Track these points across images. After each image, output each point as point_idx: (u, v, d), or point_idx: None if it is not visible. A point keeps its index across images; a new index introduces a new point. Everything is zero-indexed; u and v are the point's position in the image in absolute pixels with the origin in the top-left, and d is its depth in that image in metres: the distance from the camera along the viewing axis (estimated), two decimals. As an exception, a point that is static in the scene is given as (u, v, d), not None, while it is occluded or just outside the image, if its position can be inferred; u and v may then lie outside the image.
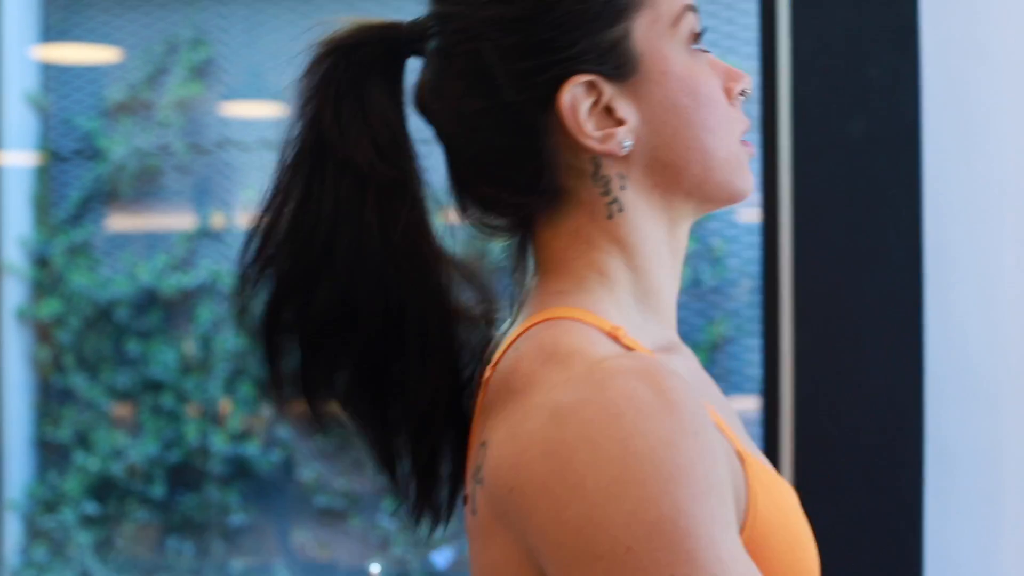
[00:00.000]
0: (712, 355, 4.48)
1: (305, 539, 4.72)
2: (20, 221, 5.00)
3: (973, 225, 1.97)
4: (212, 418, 4.81)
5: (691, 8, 1.06)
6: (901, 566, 1.95)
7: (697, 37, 1.06)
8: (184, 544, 4.83)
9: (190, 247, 4.94)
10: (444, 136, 1.06)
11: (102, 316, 4.96)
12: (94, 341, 4.97)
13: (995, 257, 1.94)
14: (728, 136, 1.06)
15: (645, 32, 1.03)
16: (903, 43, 1.94)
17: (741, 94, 1.08)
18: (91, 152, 5.01)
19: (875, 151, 1.94)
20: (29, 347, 5.01)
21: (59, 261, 4.97)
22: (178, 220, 5.00)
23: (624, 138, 1.02)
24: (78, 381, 4.94)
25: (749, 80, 1.08)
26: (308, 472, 4.65)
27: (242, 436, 4.75)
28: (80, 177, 5.01)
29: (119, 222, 5.06)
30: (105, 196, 5.01)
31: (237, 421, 4.76)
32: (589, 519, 0.87)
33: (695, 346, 4.48)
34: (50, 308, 4.97)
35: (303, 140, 1.04)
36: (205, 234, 4.94)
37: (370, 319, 1.04)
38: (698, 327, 4.51)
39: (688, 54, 1.05)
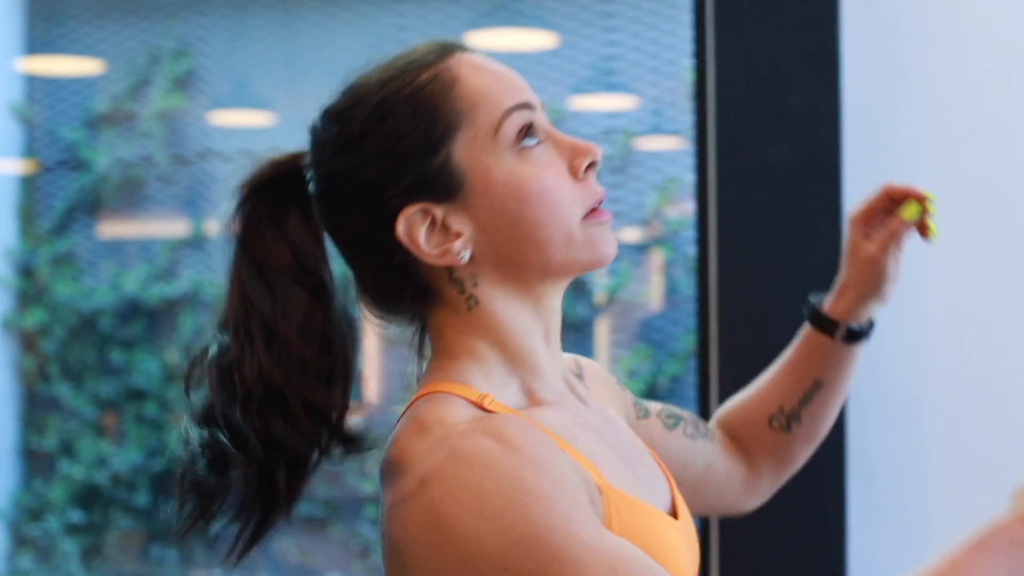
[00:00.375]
0: (688, 363, 4.50)
1: (287, 546, 4.75)
2: (5, 231, 5.03)
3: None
4: (194, 427, 4.82)
5: (516, 108, 1.17)
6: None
7: (526, 132, 1.17)
8: (167, 552, 4.86)
9: (173, 257, 4.97)
10: (339, 252, 1.23)
11: (86, 326, 5.00)
12: (78, 350, 5.00)
13: (916, 277, 1.97)
14: (565, 220, 1.17)
15: (466, 150, 1.16)
16: (824, 70, 1.96)
17: (590, 167, 1.18)
18: (75, 163, 5.04)
19: (796, 176, 1.97)
20: (14, 356, 5.04)
21: (44, 271, 5.00)
22: (161, 230, 5.03)
23: (461, 248, 1.17)
24: (63, 390, 4.98)
25: (597, 151, 1.18)
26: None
27: (223, 445, 4.76)
28: (64, 187, 5.04)
29: (103, 232, 5.09)
30: (89, 206, 5.04)
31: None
32: (469, 557, 1.05)
33: (671, 355, 4.50)
34: (35, 318, 5.00)
35: (240, 266, 1.21)
36: (188, 244, 4.97)
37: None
38: (675, 336, 4.54)
39: (514, 156, 1.17)
